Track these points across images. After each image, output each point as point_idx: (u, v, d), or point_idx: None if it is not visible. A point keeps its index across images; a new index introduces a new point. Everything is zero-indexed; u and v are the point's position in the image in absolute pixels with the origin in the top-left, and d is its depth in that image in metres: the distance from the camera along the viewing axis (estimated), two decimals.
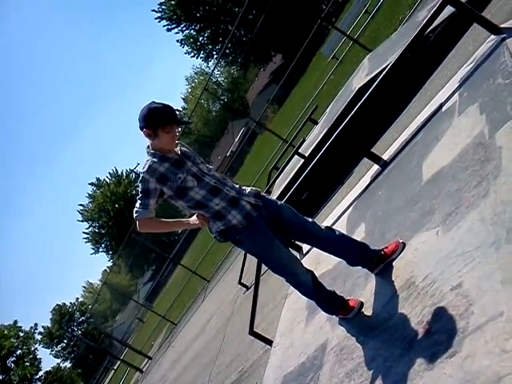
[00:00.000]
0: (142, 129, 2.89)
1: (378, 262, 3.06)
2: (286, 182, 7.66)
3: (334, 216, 4.53)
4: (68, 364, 54.77)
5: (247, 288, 9.04)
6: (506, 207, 2.24)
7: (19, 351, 35.72)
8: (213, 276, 15.51)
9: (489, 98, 2.96)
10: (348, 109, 4.98)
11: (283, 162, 8.74)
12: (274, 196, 8.17)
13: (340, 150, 4.59)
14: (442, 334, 2.17)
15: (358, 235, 3.72)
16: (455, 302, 2.19)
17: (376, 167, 4.13)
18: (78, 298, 61.20)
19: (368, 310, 3.00)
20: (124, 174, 44.01)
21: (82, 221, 47.38)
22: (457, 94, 3.41)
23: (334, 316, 3.27)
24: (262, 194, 3.14)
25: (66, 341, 54.77)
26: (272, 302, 6.39)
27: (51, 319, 56.61)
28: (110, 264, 47.47)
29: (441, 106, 3.55)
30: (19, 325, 36.12)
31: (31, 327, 37.61)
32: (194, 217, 2.99)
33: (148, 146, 2.96)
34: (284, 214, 3.08)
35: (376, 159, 4.10)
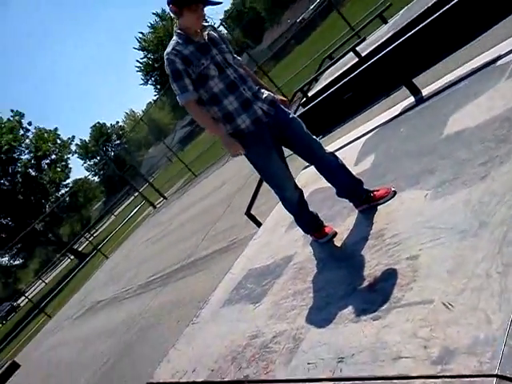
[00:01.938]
0: (168, 4, 2.81)
1: (365, 201, 3.10)
2: (333, 77, 7.39)
3: (355, 135, 4.46)
4: (96, 179, 58.99)
5: None
6: (492, 199, 2.19)
7: (54, 156, 38.09)
8: None
9: None
10: (413, 24, 4.60)
11: (340, 53, 8.33)
12: (320, 85, 7.98)
13: (385, 68, 4.33)
14: (379, 294, 2.28)
15: (364, 165, 3.71)
16: (404, 272, 2.27)
17: (411, 99, 3.94)
18: (118, 122, 63.47)
19: (338, 242, 3.10)
20: None
21: (139, 49, 47.13)
22: None
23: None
24: (278, 101, 3.08)
25: (98, 158, 58.33)
26: None
27: (90, 134, 59.76)
28: (155, 98, 48.15)
29: (498, 58, 3.28)
30: (58, 133, 38.04)
31: (69, 138, 39.59)
32: (230, 138, 2.93)
33: (175, 25, 2.90)
34: (293, 127, 3.05)
35: (415, 91, 3.89)
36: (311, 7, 28.87)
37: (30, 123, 36.14)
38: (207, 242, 8.51)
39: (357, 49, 7.23)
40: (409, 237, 2.48)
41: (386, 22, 7.88)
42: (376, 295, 2.30)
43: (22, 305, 34.03)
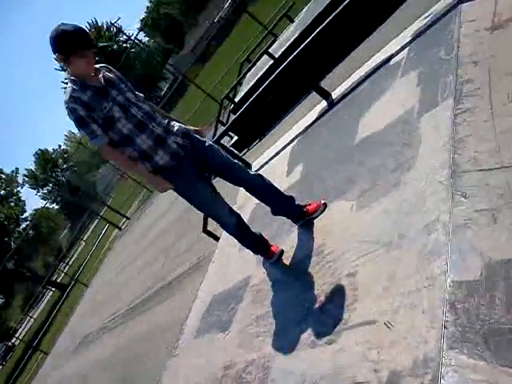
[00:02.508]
0: (54, 53, 2.54)
1: (300, 217, 3.10)
2: (254, 80, 7.36)
3: (281, 144, 4.47)
4: (56, 206, 56.75)
5: None
6: (407, 208, 2.24)
7: (2, 191, 36.51)
8: None
9: (429, 70, 2.79)
10: (314, 24, 4.59)
11: (257, 54, 8.28)
12: (243, 90, 7.92)
13: (295, 74, 4.34)
14: (328, 316, 2.31)
15: (294, 176, 3.74)
16: (347, 291, 2.30)
17: (324, 104, 3.97)
18: (60, 146, 60.43)
19: (286, 260, 3.11)
20: (105, 27, 40.83)
21: (61, 70, 44.89)
22: (406, 50, 3.20)
23: None
24: (190, 132, 2.95)
25: (51, 185, 55.91)
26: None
27: (35, 162, 56.90)
28: None
29: (391, 57, 3.34)
30: (0, 167, 36.47)
31: (12, 171, 37.95)
32: (153, 176, 2.82)
33: (67, 72, 2.67)
34: (211, 155, 2.94)
35: (325, 95, 3.91)
36: (225, 6, 28.48)
37: None
38: (176, 260, 8.40)
39: (270, 50, 7.21)
40: (343, 253, 2.50)
41: (292, 21, 7.88)
42: (326, 317, 2.32)
43: (16, 343, 32.89)
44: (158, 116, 2.84)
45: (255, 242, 3.25)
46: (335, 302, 2.32)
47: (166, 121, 2.88)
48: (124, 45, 38.64)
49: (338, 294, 2.34)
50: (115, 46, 40.12)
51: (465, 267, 1.76)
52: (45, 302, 39.07)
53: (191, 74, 25.70)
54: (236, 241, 3.34)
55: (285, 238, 3.27)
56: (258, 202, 4.03)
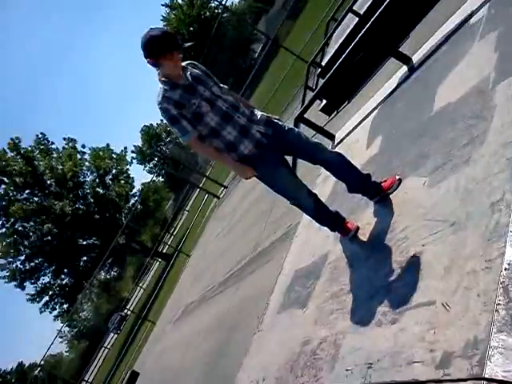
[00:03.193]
0: (145, 58, 2.89)
1: (376, 194, 3.21)
2: (340, 42, 7.31)
3: (360, 116, 4.52)
4: (161, 179, 60.93)
5: None
6: (474, 186, 2.28)
7: (114, 170, 39.72)
8: (280, 116, 15.78)
9: (507, 31, 2.71)
10: None
11: (342, 12, 8.14)
12: (329, 54, 7.90)
13: (377, 36, 4.32)
14: (395, 296, 2.46)
15: (373, 149, 3.83)
16: (412, 270, 2.42)
17: (404, 69, 3.95)
18: (162, 120, 64.18)
19: (360, 237, 3.26)
20: None
21: None
22: (487, 6, 3.08)
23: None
24: (272, 119, 3.18)
25: (156, 158, 60.06)
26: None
27: (141, 138, 61.47)
28: None
29: (470, 15, 3.23)
30: (111, 147, 39.56)
31: (122, 150, 41.02)
32: (238, 164, 3.11)
33: (158, 74, 2.99)
34: (292, 139, 3.15)
35: (405, 60, 3.89)
36: None
37: (83, 146, 37.80)
38: (267, 231, 8.77)
39: (355, 7, 7.08)
40: (413, 230, 2.61)
41: None
42: (392, 296, 2.48)
43: (129, 312, 36.29)
44: (242, 106, 3.10)
45: (332, 220, 3.43)
46: (402, 281, 2.46)
47: (250, 110, 3.13)
48: (216, 11, 39.44)
49: (405, 273, 2.48)
50: (207, 13, 41.07)
51: None
52: (152, 272, 42.49)
53: (283, 31, 25.57)
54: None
55: (360, 214, 3.41)
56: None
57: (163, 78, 2.93)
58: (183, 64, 3.02)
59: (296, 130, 3.27)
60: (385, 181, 3.19)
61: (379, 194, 3.21)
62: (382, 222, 3.05)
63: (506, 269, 1.82)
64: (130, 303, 39.87)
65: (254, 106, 3.31)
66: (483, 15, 3.06)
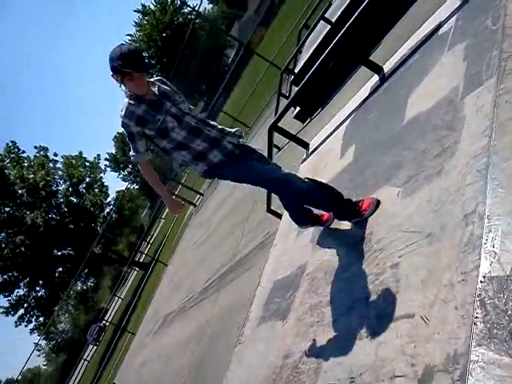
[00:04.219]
0: (111, 71, 2.83)
1: (355, 215, 3.12)
2: (312, 49, 7.39)
3: (333, 125, 4.56)
4: (136, 186, 60.46)
5: (279, 149, 9.30)
6: (447, 198, 2.31)
7: (88, 179, 39.05)
8: (254, 123, 15.80)
9: (475, 42, 2.75)
10: None
11: (314, 20, 8.23)
12: (302, 61, 7.96)
13: (348, 46, 4.36)
14: (374, 308, 2.47)
15: (347, 158, 3.84)
16: (390, 283, 2.44)
17: (376, 78, 3.99)
18: None
19: (338, 248, 3.27)
20: (169, 1, 41.84)
21: None
22: (454, 18, 3.14)
23: (316, 238, 3.61)
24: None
25: (130, 166, 59.51)
26: None
27: (115, 146, 60.88)
28: None
29: (439, 25, 3.29)
30: (84, 155, 38.87)
31: (95, 157, 40.31)
32: (171, 198, 3.19)
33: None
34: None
35: (376, 69, 3.93)
36: None
37: (55, 154, 36.99)
38: (246, 238, 8.76)
39: (327, 14, 7.17)
40: (389, 242, 2.62)
41: None
42: (371, 309, 2.48)
43: (107, 323, 35.79)
44: (212, 122, 3.09)
45: (308, 213, 3.50)
46: (380, 294, 2.47)
47: (221, 127, 3.11)
48: (189, 16, 39.41)
49: (382, 286, 2.48)
50: (180, 19, 40.98)
51: (497, 262, 1.83)
52: (130, 281, 42.01)
53: (256, 37, 25.71)
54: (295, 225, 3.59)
55: (337, 224, 3.42)
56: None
57: (128, 92, 2.89)
58: (152, 80, 3.00)
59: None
60: (362, 202, 3.07)
61: (359, 216, 3.09)
62: (359, 233, 3.06)
63: (481, 281, 1.83)
64: (109, 314, 39.34)
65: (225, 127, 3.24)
66: (451, 26, 3.11)
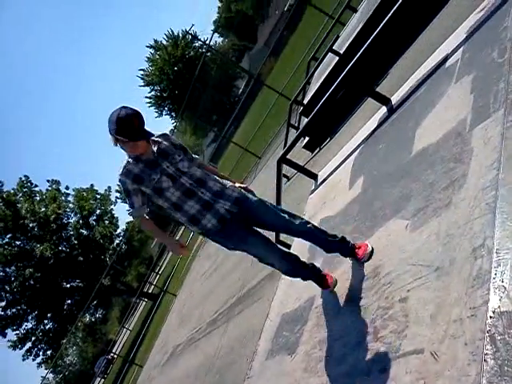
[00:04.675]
0: (116, 134, 2.81)
1: (351, 255, 3.25)
2: (321, 80, 7.48)
3: (342, 156, 4.58)
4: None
5: (288, 179, 9.30)
6: (456, 231, 2.29)
7: (98, 211, 39.32)
8: (263, 153, 15.93)
9: (482, 74, 2.78)
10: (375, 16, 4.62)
11: (323, 51, 8.38)
12: (311, 92, 8.07)
13: (356, 77, 4.43)
14: (382, 344, 2.43)
15: (356, 189, 3.85)
16: (398, 317, 2.41)
17: (383, 110, 4.04)
18: None
19: (346, 281, 3.24)
20: (180, 36, 42.98)
21: (144, 85, 48.10)
22: (461, 50, 3.19)
23: (325, 271, 3.59)
24: (242, 197, 3.10)
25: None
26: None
27: None
28: (174, 125, 48.71)
29: (446, 58, 3.34)
30: (95, 188, 39.20)
31: (105, 189, 40.60)
32: (173, 243, 3.17)
33: None
34: (261, 215, 3.12)
35: (383, 101, 3.98)
36: None
37: (67, 187, 37.45)
38: (254, 269, 8.72)
39: (335, 46, 7.30)
40: (397, 276, 2.60)
41: (355, 11, 7.88)
42: (380, 344, 2.45)
43: (115, 356, 35.41)
44: (211, 180, 3.05)
45: (311, 276, 3.43)
46: (388, 328, 2.44)
47: (219, 186, 3.04)
48: (200, 50, 40.35)
49: (390, 320, 2.46)
50: (191, 53, 41.94)
51: (506, 297, 1.81)
52: (139, 312, 41.71)
53: (265, 69, 26.16)
54: (303, 257, 3.57)
55: (340, 264, 3.41)
56: (323, 216, 4.24)
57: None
58: (154, 138, 2.99)
59: (265, 205, 3.16)
60: (359, 247, 3.17)
61: (354, 257, 3.21)
62: (367, 266, 3.04)
63: (491, 317, 1.81)
64: (117, 346, 38.92)
65: (229, 178, 3.26)
66: (458, 58, 3.15)
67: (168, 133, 3.12)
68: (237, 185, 3.19)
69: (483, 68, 2.79)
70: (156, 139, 2.98)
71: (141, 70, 46.65)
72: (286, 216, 3.12)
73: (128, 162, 2.92)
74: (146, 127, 2.80)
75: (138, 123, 2.74)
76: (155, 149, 2.94)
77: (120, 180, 2.95)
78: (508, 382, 1.62)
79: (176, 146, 3.03)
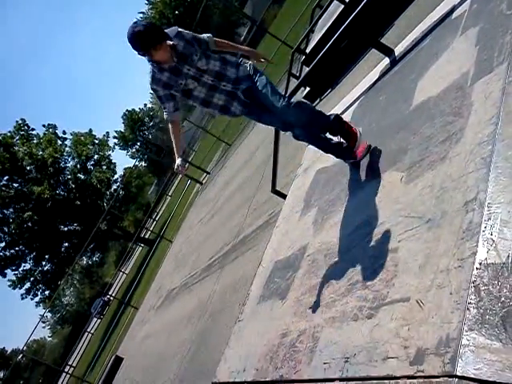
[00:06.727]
0: (138, 52, 3.09)
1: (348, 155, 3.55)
2: (325, 29, 7.29)
3: (342, 107, 4.53)
4: (143, 164, 60.67)
5: None
6: (450, 184, 2.31)
7: (96, 156, 39.23)
8: None
9: (488, 26, 2.72)
10: None
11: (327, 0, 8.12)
12: (313, 41, 7.88)
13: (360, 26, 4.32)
14: (371, 291, 2.49)
15: None
16: (388, 266, 2.46)
17: (386, 61, 3.96)
18: (145, 104, 63.79)
19: (340, 229, 3.29)
20: None
21: None
22: (469, 1, 3.09)
23: (319, 220, 3.64)
24: (252, 73, 3.35)
25: (139, 143, 59.78)
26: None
27: (123, 124, 60.83)
28: None
29: (453, 8, 3.25)
30: (94, 133, 38.90)
31: (104, 135, 40.24)
32: (179, 161, 3.45)
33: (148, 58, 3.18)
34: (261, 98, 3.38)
35: (387, 51, 3.90)
36: None
37: (64, 132, 37.16)
38: (250, 217, 8.81)
39: None
40: (390, 226, 2.64)
41: None
42: (368, 291, 2.51)
43: (112, 298, 36.27)
44: (227, 69, 3.29)
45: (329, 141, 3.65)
46: (378, 277, 2.50)
47: (235, 65, 3.33)
48: None
49: (380, 269, 2.51)
50: None
51: (494, 249, 1.85)
52: (135, 257, 42.40)
53: (269, 16, 25.43)
54: (299, 207, 3.67)
55: (339, 206, 3.45)
56: (320, 166, 4.24)
57: (151, 61, 3.17)
58: (170, 43, 3.11)
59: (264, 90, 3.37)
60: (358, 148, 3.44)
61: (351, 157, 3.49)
62: (360, 216, 3.08)
63: (477, 268, 1.86)
64: (113, 288, 39.74)
65: (241, 48, 3.59)
66: (465, 10, 3.08)
67: (179, 29, 3.25)
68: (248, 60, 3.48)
69: (490, 20, 2.73)
70: (173, 43, 3.13)
71: (140, 13, 45.25)
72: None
73: (154, 72, 3.19)
74: (158, 34, 3.01)
75: (142, 36, 2.96)
76: (174, 58, 3.15)
77: (152, 88, 3.25)
78: (488, 329, 1.68)
79: (190, 42, 3.21)
